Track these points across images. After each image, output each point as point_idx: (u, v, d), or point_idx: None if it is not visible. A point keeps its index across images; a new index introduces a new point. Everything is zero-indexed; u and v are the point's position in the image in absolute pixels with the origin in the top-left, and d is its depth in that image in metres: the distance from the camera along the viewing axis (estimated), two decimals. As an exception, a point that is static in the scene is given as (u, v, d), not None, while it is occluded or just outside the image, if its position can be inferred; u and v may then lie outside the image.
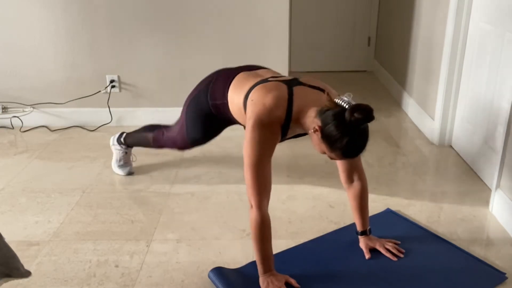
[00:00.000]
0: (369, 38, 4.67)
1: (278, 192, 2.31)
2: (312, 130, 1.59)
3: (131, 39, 3.08)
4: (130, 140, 2.52)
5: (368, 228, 1.89)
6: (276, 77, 1.87)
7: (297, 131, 1.78)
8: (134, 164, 2.64)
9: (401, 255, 1.84)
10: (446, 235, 2.01)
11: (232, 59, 3.07)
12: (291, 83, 1.76)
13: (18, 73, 3.16)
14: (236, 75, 1.98)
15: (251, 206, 1.64)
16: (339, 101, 1.55)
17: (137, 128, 2.54)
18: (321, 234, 2.01)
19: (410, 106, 3.43)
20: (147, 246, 1.95)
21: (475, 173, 2.54)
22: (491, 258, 1.86)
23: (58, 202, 2.30)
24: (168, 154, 2.80)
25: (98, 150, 2.88)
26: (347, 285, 1.71)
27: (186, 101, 2.20)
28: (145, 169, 2.63)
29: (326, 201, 2.29)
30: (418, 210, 2.20)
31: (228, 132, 2.77)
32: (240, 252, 1.90)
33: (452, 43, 2.69)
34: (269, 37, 3.06)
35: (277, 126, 1.67)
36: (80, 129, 3.23)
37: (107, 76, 3.17)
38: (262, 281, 1.65)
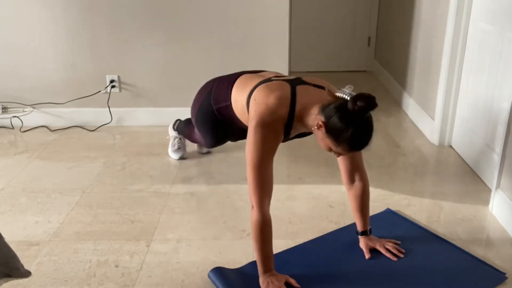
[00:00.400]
0: (369, 38, 4.67)
1: (278, 192, 2.31)
2: (316, 127, 1.58)
3: (131, 39, 3.08)
4: (179, 128, 2.74)
5: (368, 228, 1.89)
6: (279, 77, 1.87)
7: (301, 130, 1.78)
8: (135, 164, 2.64)
9: (401, 255, 1.84)
10: (446, 235, 2.01)
11: (232, 59, 3.08)
12: (294, 82, 1.76)
13: (18, 73, 3.16)
14: (238, 77, 2.00)
15: (253, 206, 1.64)
16: (340, 94, 1.55)
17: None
18: (321, 234, 2.01)
19: (410, 106, 3.43)
20: (147, 246, 1.95)
21: (475, 173, 2.54)
22: (491, 258, 1.86)
23: (58, 202, 2.30)
24: (168, 154, 2.80)
25: (98, 150, 2.88)
26: (347, 285, 1.71)
27: (192, 113, 2.28)
28: (145, 169, 2.63)
29: (326, 201, 2.29)
30: (418, 210, 2.20)
31: (228, 132, 2.76)
32: (240, 252, 1.90)
33: (452, 43, 2.69)
34: (269, 37, 3.06)
35: (280, 125, 1.67)
36: (80, 129, 3.23)
37: (107, 76, 3.17)
38: (262, 281, 1.65)
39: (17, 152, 2.88)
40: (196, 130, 2.40)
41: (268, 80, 1.82)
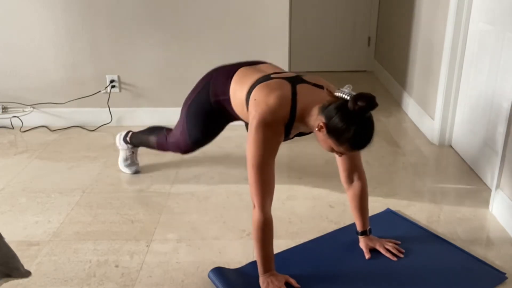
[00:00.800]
0: (369, 38, 4.67)
1: (278, 192, 2.31)
2: (317, 128, 1.58)
3: (131, 39, 3.08)
4: (135, 140, 2.52)
5: (368, 228, 1.88)
6: (278, 73, 1.85)
7: (301, 129, 1.77)
8: (134, 164, 2.65)
9: (401, 255, 1.84)
10: (446, 235, 2.01)
11: (232, 59, 3.06)
12: (294, 81, 1.74)
13: (18, 73, 3.16)
14: (237, 70, 1.97)
15: (254, 206, 1.64)
16: (339, 93, 1.54)
17: (141, 128, 2.55)
18: (321, 234, 2.01)
19: (410, 106, 3.43)
20: (147, 246, 1.95)
21: (475, 173, 2.54)
22: (491, 258, 1.86)
23: (58, 202, 2.30)
24: (168, 154, 2.80)
25: (98, 150, 2.88)
26: (347, 285, 1.71)
27: (185, 104, 2.18)
28: (145, 169, 2.63)
29: (326, 201, 2.29)
30: (418, 210, 2.20)
31: (228, 132, 2.77)
32: (240, 252, 1.90)
33: (452, 43, 2.69)
34: (269, 37, 3.06)
35: (281, 126, 1.66)
36: (80, 129, 3.23)
37: (107, 76, 3.17)
38: (262, 281, 1.65)
39: (17, 152, 2.88)
40: (173, 132, 2.28)
41: (268, 77, 1.80)
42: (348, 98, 1.50)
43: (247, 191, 2.36)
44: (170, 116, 2.92)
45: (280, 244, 1.90)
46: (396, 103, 3.73)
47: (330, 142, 1.57)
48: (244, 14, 3.03)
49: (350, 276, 1.75)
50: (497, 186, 2.14)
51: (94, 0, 2.99)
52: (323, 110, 1.57)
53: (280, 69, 2.00)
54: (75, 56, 3.12)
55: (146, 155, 2.76)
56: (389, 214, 2.15)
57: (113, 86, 3.18)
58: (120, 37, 3.08)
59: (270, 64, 2.07)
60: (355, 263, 1.82)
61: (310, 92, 1.70)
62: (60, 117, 3.25)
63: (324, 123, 1.55)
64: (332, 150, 1.61)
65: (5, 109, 3.24)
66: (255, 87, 1.77)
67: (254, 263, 1.72)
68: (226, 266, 1.79)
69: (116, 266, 1.83)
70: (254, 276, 1.68)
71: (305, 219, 2.14)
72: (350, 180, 1.84)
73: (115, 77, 3.17)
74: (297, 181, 2.49)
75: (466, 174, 2.56)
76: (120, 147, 2.59)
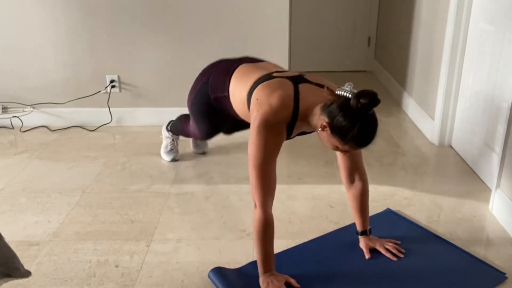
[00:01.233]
0: (369, 38, 4.67)
1: (278, 192, 2.29)
2: (320, 128, 1.57)
3: (131, 39, 3.08)
4: (173, 127, 2.70)
5: (368, 228, 1.88)
6: (280, 72, 1.84)
7: (303, 129, 1.76)
8: (135, 164, 2.64)
9: (401, 255, 1.84)
10: (446, 235, 2.01)
11: (232, 59, 3.07)
12: (297, 80, 1.73)
13: (18, 73, 3.16)
14: (237, 67, 1.96)
15: (255, 206, 1.64)
16: (340, 92, 1.54)
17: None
18: (321, 234, 2.01)
19: (410, 106, 3.43)
20: (147, 246, 1.95)
21: (475, 173, 2.54)
22: (491, 258, 1.86)
23: (58, 202, 2.30)
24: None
25: (98, 150, 2.88)
26: (347, 285, 1.71)
27: (188, 100, 2.23)
28: (145, 169, 2.63)
29: (326, 201, 2.29)
30: (418, 210, 2.20)
31: (228, 132, 2.74)
32: (240, 252, 1.90)
33: (452, 43, 2.69)
34: (269, 37, 3.06)
35: (283, 126, 1.65)
36: (80, 129, 3.23)
37: (107, 76, 3.17)
38: (262, 281, 1.65)
39: (17, 152, 2.88)
40: (190, 122, 2.39)
41: (270, 75, 1.79)
42: (350, 96, 1.50)
43: (247, 191, 2.36)
44: (170, 116, 2.91)
45: (280, 244, 1.90)
46: (396, 103, 3.73)
47: (335, 141, 1.56)
48: (244, 14, 3.03)
49: (350, 276, 1.75)
50: (497, 186, 2.14)
51: (94, 0, 2.99)
52: (325, 109, 1.57)
53: (281, 67, 2.00)
54: (75, 56, 3.12)
55: (145, 155, 2.76)
56: (389, 214, 2.15)
57: (113, 86, 3.18)
58: (120, 37, 3.08)
59: (269, 62, 2.07)
60: (355, 263, 1.82)
61: (312, 91, 1.69)
62: (60, 117, 3.25)
63: (327, 122, 1.55)
64: (337, 148, 1.60)
65: (5, 109, 3.24)
66: (257, 86, 1.75)
67: (254, 263, 1.72)
68: (226, 266, 1.79)
69: (116, 266, 1.83)
70: (254, 276, 1.68)
71: (305, 219, 2.14)
72: (351, 180, 1.84)
73: (115, 77, 3.17)
74: (297, 181, 2.49)
75: (466, 174, 2.56)
76: (163, 134, 2.77)
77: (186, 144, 2.89)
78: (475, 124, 2.56)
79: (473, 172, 2.56)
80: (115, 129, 3.21)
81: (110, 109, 3.22)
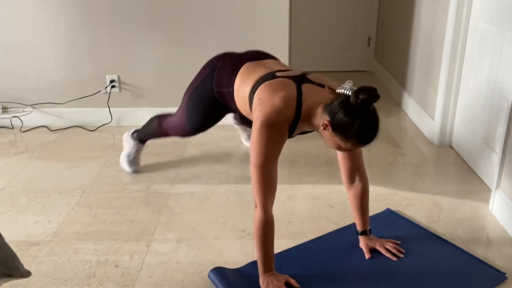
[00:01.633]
0: (369, 38, 4.67)
1: (278, 192, 2.29)
2: (322, 128, 1.57)
3: (131, 39, 3.08)
4: (141, 132, 2.51)
5: (368, 228, 1.89)
6: (284, 71, 1.83)
7: (304, 128, 1.76)
8: (134, 164, 2.64)
9: (401, 255, 1.84)
10: (446, 235, 2.01)
11: (232, 59, 3.07)
12: (300, 80, 1.73)
13: (18, 73, 3.16)
14: (243, 64, 1.96)
15: (256, 206, 1.64)
16: (340, 90, 1.54)
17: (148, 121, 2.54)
18: (321, 234, 2.01)
19: (410, 106, 3.43)
20: (147, 246, 1.95)
21: (475, 173, 2.54)
22: (491, 258, 1.86)
23: (58, 202, 2.30)
24: (168, 154, 2.80)
25: (98, 150, 2.88)
26: (347, 285, 1.71)
27: (188, 89, 2.19)
28: (145, 169, 2.63)
29: (326, 201, 2.29)
30: (418, 210, 2.20)
31: (228, 132, 2.78)
32: (240, 252, 1.90)
33: (452, 43, 2.69)
34: (269, 37, 3.06)
35: (285, 126, 1.65)
36: (80, 129, 3.23)
37: (107, 76, 3.17)
38: (262, 281, 1.65)
39: (17, 152, 2.88)
40: (171, 118, 2.30)
41: (273, 74, 1.78)
42: (350, 93, 1.50)
43: (247, 191, 2.36)
44: (170, 116, 2.92)
45: (280, 244, 1.90)
46: (396, 103, 3.73)
47: (337, 139, 1.56)
48: (244, 14, 3.03)
49: (350, 276, 1.75)
50: (497, 186, 2.14)
51: (94, 0, 2.99)
52: (326, 108, 1.57)
53: (286, 66, 1.99)
54: (75, 56, 3.12)
55: (145, 155, 2.76)
56: (389, 214, 2.15)
57: (113, 86, 3.18)
58: (120, 37, 3.08)
59: (275, 59, 2.06)
60: (355, 263, 1.82)
61: (314, 92, 1.69)
62: (60, 117, 3.25)
63: (328, 121, 1.55)
64: (339, 147, 1.60)
65: (5, 109, 3.24)
66: (259, 85, 1.76)
67: (254, 263, 1.72)
68: (226, 266, 1.79)
69: (116, 266, 1.83)
70: (254, 276, 1.68)
71: (305, 219, 2.14)
72: (351, 180, 1.84)
73: (115, 77, 3.17)
74: (297, 181, 2.49)
75: (466, 174, 2.56)
76: (125, 142, 2.57)
77: (185, 146, 2.89)
78: (475, 124, 2.56)
79: (473, 172, 2.56)
80: (115, 129, 3.21)
81: (110, 109, 3.22)
